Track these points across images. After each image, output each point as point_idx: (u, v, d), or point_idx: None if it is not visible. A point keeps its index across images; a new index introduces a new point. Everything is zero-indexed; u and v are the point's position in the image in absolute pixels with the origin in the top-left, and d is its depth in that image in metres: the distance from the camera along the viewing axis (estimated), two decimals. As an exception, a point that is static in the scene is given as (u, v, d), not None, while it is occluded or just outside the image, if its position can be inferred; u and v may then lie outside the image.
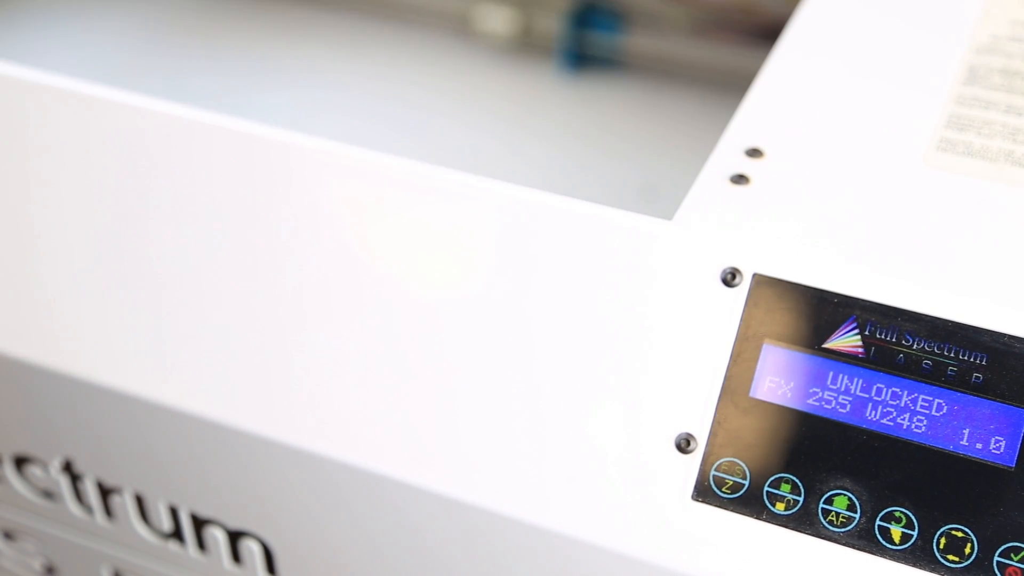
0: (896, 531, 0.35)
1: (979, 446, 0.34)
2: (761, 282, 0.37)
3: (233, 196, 0.42)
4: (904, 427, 0.35)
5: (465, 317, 0.39)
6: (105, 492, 0.47)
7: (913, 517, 0.35)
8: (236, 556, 0.46)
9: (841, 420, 0.36)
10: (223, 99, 0.72)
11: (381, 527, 0.41)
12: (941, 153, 0.40)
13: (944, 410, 0.35)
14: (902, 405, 0.35)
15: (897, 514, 0.35)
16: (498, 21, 0.77)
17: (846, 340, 0.36)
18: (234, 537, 0.45)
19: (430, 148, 0.62)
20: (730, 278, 0.37)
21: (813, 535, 0.35)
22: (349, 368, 0.40)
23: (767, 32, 0.58)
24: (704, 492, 0.36)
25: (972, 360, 0.35)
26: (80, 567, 0.52)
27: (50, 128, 0.45)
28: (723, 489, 0.36)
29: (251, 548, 0.45)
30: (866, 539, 0.35)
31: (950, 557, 0.34)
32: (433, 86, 0.75)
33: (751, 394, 0.36)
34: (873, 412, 0.35)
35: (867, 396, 0.35)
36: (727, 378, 0.36)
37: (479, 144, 0.68)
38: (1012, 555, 0.34)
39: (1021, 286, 0.35)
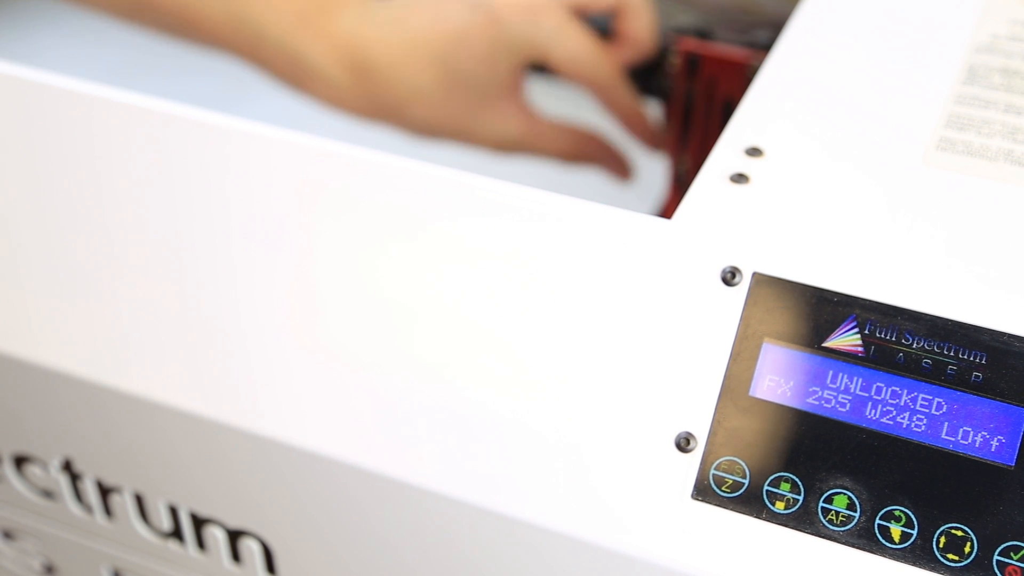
0: (896, 530, 0.35)
1: (979, 445, 0.34)
2: (761, 281, 0.37)
3: (233, 196, 0.42)
4: (904, 426, 0.35)
5: (463, 316, 0.39)
6: (105, 491, 0.47)
7: (913, 516, 0.35)
8: (236, 555, 0.46)
9: (841, 419, 0.36)
10: (223, 99, 0.72)
11: (381, 526, 0.41)
12: (941, 152, 0.40)
13: (944, 409, 0.35)
14: (902, 404, 0.35)
15: (897, 513, 0.35)
16: (498, 21, 0.76)
17: (846, 339, 0.36)
18: (234, 536, 0.45)
19: (429, 147, 0.62)
20: (730, 277, 0.37)
21: (813, 534, 0.35)
22: (349, 367, 0.40)
23: (767, 32, 0.58)
24: (704, 491, 0.36)
25: (972, 359, 0.35)
26: (80, 567, 0.52)
27: (48, 128, 0.45)
28: (723, 488, 0.36)
29: (251, 547, 0.45)
30: (866, 538, 0.35)
31: (950, 556, 0.34)
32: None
33: (751, 393, 0.36)
34: (873, 411, 0.35)
35: (867, 395, 0.35)
36: (727, 377, 0.36)
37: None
38: (1012, 554, 0.34)
39: (1021, 285, 0.35)
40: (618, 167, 0.62)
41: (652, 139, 0.61)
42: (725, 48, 0.56)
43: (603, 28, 0.59)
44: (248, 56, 0.57)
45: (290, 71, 0.56)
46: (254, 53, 0.56)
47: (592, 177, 0.65)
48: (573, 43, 0.55)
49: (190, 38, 0.58)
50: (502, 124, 0.57)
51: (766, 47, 0.55)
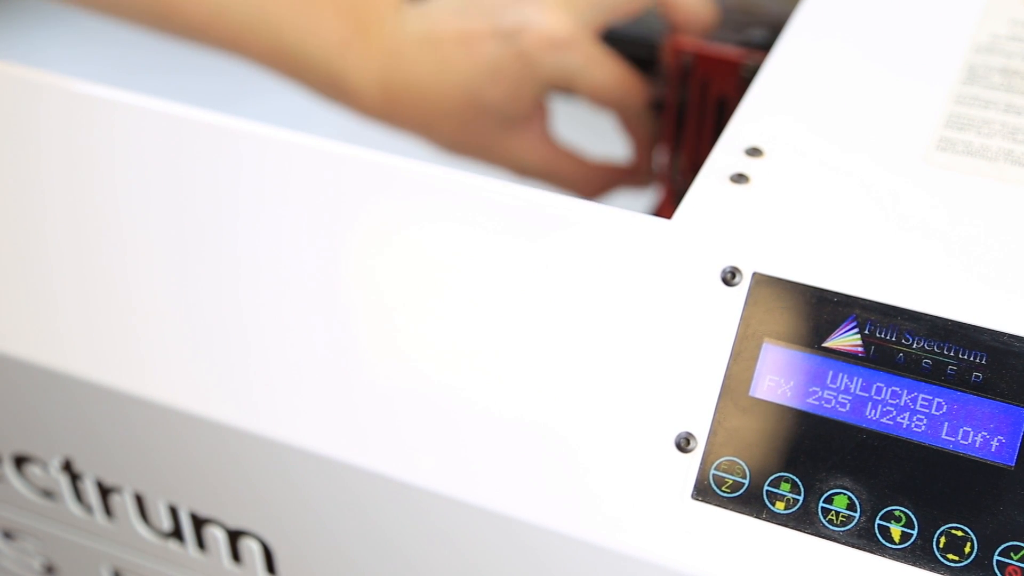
0: (896, 530, 0.35)
1: (979, 445, 0.34)
2: (761, 281, 0.37)
3: (233, 196, 0.42)
4: (904, 426, 0.35)
5: (464, 317, 0.39)
6: (105, 491, 0.47)
7: (913, 516, 0.35)
8: (236, 555, 0.46)
9: (841, 419, 0.36)
10: (224, 96, 0.72)
11: (381, 526, 0.41)
12: (941, 152, 0.40)
13: (944, 409, 0.35)
14: (902, 404, 0.35)
15: (897, 513, 0.35)
16: (498, 21, 0.76)
17: (846, 339, 0.36)
18: (234, 536, 0.45)
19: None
20: (730, 277, 0.37)
21: (813, 534, 0.35)
22: (349, 367, 0.40)
23: (761, 31, 0.58)
24: (704, 491, 0.36)
25: (972, 359, 0.35)
26: (80, 567, 0.52)
27: (48, 128, 0.45)
28: (723, 488, 0.36)
29: (251, 547, 0.45)
30: (866, 538, 0.35)
31: (950, 556, 0.34)
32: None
33: (751, 393, 0.36)
34: (873, 411, 0.35)
35: (867, 395, 0.35)
36: (727, 377, 0.36)
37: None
38: (1012, 554, 0.34)
39: (1021, 285, 0.35)
40: (639, 182, 0.63)
41: (644, 181, 0.62)
42: (719, 47, 0.56)
43: (647, 38, 0.60)
44: (290, 75, 0.60)
45: (331, 89, 0.59)
46: (297, 74, 0.59)
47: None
48: (600, 76, 0.56)
49: (232, 56, 0.60)
50: (520, 151, 0.59)
51: (760, 46, 0.55)
